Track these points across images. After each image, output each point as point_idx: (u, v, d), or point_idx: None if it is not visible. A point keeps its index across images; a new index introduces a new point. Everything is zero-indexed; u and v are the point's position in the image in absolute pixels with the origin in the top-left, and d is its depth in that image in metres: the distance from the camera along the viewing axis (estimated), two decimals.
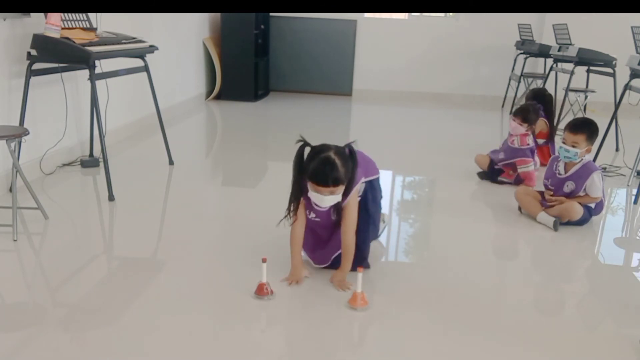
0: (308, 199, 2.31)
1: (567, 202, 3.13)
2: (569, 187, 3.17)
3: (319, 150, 2.19)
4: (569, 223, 3.13)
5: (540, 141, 4.38)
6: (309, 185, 2.21)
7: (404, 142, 5.39)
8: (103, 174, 3.43)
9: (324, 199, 2.19)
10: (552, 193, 3.22)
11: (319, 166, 2.15)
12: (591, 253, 2.99)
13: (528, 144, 3.83)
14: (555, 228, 3.09)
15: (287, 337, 2.06)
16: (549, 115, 4.47)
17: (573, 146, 3.10)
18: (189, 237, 2.85)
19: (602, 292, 2.50)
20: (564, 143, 3.15)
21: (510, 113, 6.74)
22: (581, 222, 3.15)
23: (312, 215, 2.37)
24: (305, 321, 2.14)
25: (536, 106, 4.02)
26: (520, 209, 3.36)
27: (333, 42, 7.79)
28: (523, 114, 3.85)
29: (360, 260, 2.40)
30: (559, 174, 3.21)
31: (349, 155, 2.22)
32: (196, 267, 2.53)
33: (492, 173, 3.99)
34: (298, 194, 2.31)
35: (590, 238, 3.13)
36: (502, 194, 3.76)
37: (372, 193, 2.48)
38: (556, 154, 3.32)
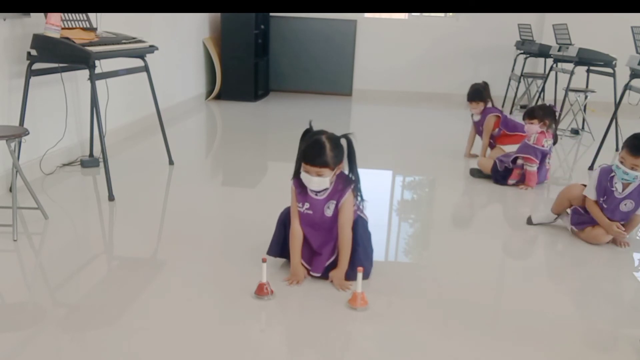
0: (300, 190, 2.36)
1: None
2: (627, 205, 2.93)
3: (313, 133, 2.31)
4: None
5: (495, 131, 4.43)
6: (302, 167, 2.29)
7: (404, 142, 5.39)
8: (103, 174, 3.43)
9: (312, 179, 2.26)
10: (621, 225, 2.94)
11: (309, 146, 2.27)
12: (591, 253, 2.98)
13: (543, 146, 3.81)
14: (528, 222, 3.19)
15: (287, 337, 2.06)
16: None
17: (632, 168, 2.82)
18: (189, 237, 2.85)
19: (602, 292, 2.50)
20: (621, 163, 2.87)
21: (511, 113, 6.79)
22: None
23: (306, 206, 2.36)
24: (305, 321, 2.14)
25: (545, 105, 4.07)
26: (530, 219, 3.25)
27: (333, 42, 7.79)
28: (528, 113, 3.91)
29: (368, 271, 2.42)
30: (617, 192, 2.93)
31: (347, 144, 2.29)
32: (196, 267, 2.53)
33: (496, 174, 3.97)
34: (298, 173, 2.38)
35: None
36: (502, 194, 3.77)
37: (363, 231, 2.44)
38: (608, 166, 3.01)
